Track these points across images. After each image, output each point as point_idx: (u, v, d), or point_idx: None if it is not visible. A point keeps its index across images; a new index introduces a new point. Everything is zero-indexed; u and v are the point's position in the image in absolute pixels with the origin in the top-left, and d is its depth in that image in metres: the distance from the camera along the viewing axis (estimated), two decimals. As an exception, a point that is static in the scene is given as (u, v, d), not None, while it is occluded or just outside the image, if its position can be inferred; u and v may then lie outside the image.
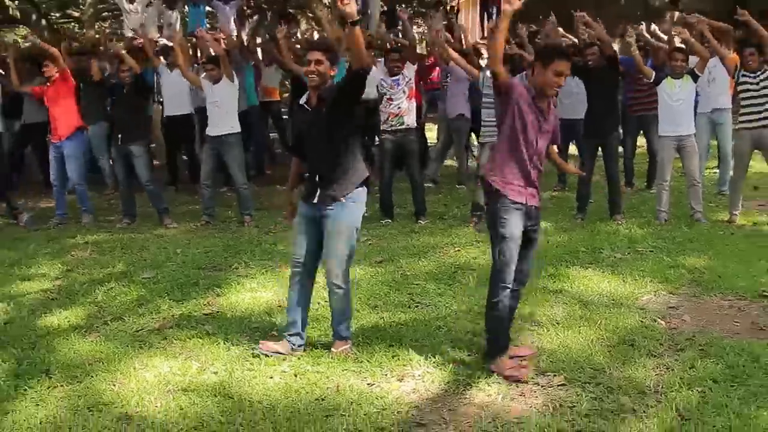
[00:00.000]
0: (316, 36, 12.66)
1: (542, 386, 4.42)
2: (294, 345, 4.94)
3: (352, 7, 4.34)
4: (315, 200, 4.80)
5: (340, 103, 4.72)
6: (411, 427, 4.03)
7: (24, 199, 9.55)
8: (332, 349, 4.93)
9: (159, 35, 11.89)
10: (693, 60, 8.22)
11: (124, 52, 8.80)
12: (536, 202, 4.67)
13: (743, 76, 7.91)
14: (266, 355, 4.85)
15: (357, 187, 4.83)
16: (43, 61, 8.91)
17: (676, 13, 9.94)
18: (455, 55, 8.66)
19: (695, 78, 8.03)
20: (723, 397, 4.17)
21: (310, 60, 4.72)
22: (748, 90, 7.87)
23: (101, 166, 10.85)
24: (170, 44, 9.93)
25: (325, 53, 4.77)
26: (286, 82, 14.85)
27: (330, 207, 4.77)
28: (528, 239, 4.68)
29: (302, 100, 4.92)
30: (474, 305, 5.66)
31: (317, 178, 4.82)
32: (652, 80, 8.18)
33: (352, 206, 4.83)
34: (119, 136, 8.82)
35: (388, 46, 10.81)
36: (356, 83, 4.69)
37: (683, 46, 8.49)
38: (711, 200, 9.06)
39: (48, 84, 8.96)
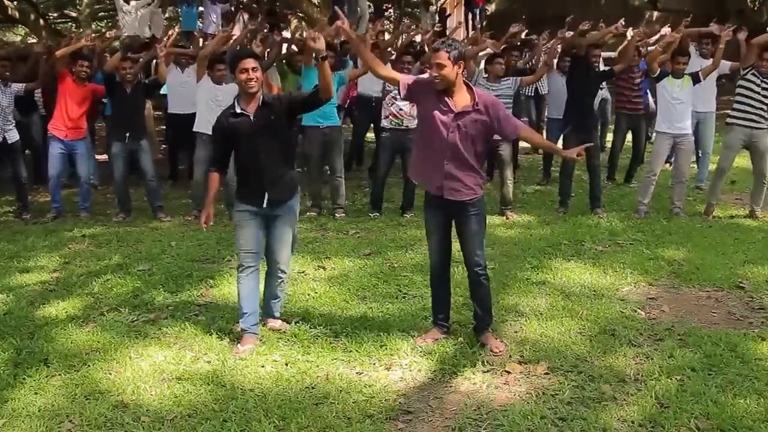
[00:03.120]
0: (305, 36, 12.66)
1: (526, 375, 4.50)
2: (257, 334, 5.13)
3: (321, 44, 4.53)
4: (264, 204, 4.98)
5: (291, 113, 4.95)
6: (398, 414, 4.11)
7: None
8: (270, 325, 5.25)
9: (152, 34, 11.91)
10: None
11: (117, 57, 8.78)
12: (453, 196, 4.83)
13: (752, 75, 7.96)
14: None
15: (297, 192, 5.14)
16: (80, 60, 8.89)
17: (655, 13, 10.05)
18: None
19: (696, 81, 8.16)
20: (701, 385, 4.27)
21: (246, 68, 4.83)
22: (752, 90, 7.95)
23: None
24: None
25: (257, 60, 4.94)
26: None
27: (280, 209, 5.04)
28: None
29: (237, 108, 4.92)
30: (458, 296, 5.77)
31: (265, 183, 4.96)
32: (656, 75, 8.24)
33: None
34: (127, 134, 8.77)
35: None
36: (312, 105, 5.02)
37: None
38: (689, 194, 9.17)
39: (81, 83, 8.93)
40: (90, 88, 9.04)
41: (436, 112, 4.68)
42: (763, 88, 7.92)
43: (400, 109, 8.42)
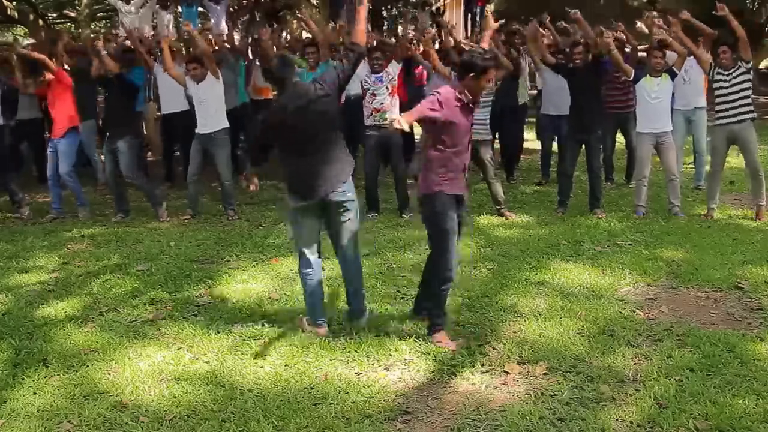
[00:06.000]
0: (304, 36, 12.67)
1: (524, 375, 4.50)
2: None
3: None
4: None
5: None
6: (397, 414, 4.10)
7: (21, 194, 9.53)
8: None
9: (152, 33, 11.90)
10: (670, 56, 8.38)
11: (104, 52, 8.71)
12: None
13: (717, 73, 7.95)
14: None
15: None
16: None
17: (654, 13, 10.03)
18: (439, 65, 8.69)
19: (673, 76, 8.13)
20: (699, 386, 4.26)
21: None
22: (721, 87, 7.93)
23: (94, 161, 10.91)
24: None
25: None
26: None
27: None
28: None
29: None
30: (457, 297, 5.75)
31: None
32: (631, 78, 8.25)
33: None
34: (107, 133, 8.92)
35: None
36: None
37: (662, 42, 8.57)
38: (688, 195, 9.16)
39: (42, 85, 9.07)
40: (53, 85, 9.01)
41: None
42: (730, 79, 7.88)
43: (382, 103, 8.41)
